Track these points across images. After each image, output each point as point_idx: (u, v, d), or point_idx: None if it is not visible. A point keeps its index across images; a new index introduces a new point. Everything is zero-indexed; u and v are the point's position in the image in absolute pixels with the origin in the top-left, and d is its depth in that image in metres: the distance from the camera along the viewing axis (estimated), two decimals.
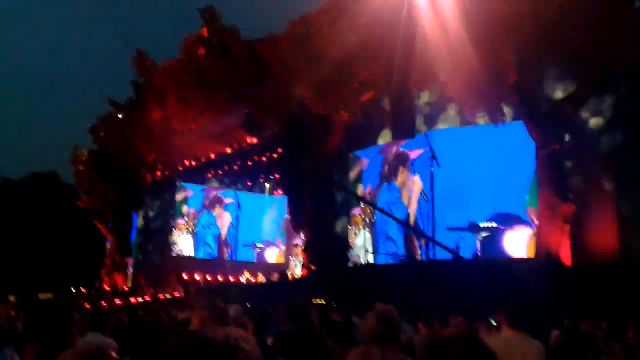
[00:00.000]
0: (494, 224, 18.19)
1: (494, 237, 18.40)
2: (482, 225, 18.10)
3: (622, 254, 15.18)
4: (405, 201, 21.19)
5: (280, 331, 5.85)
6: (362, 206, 22.77)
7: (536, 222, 16.99)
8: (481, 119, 18.20)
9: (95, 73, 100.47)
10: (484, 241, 18.17)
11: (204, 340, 0.92)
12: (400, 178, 21.55)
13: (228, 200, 31.35)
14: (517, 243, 18.18)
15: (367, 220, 22.65)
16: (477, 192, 18.95)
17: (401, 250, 20.96)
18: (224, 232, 31.09)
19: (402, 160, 21.55)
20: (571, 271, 14.16)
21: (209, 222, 30.97)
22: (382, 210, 20.54)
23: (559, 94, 15.92)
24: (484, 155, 18.81)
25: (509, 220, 18.37)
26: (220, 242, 30.91)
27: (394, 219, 20.03)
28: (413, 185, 20.93)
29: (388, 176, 21.90)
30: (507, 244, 18.34)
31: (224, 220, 31.16)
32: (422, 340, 6.54)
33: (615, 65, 14.29)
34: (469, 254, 17.44)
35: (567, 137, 15.90)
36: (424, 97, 20.26)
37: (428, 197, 20.07)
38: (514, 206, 18.47)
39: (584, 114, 16.52)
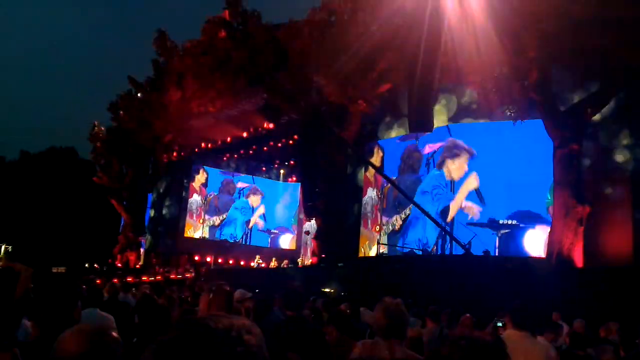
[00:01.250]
0: (514, 222, 18.05)
1: (513, 234, 18.27)
2: (501, 222, 17.97)
3: (635, 258, 15.06)
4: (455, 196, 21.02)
5: (279, 318, 5.86)
6: (379, 195, 22.75)
7: None
8: (502, 115, 18.01)
9: (117, 51, 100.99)
10: (502, 238, 18.07)
11: (205, 329, 0.91)
12: (448, 169, 21.20)
13: (257, 192, 32.13)
14: (537, 242, 17.94)
15: (381, 209, 22.61)
16: (498, 188, 18.78)
17: (423, 241, 20.82)
18: (253, 221, 31.69)
19: (451, 152, 21.28)
20: (582, 272, 14.05)
21: (243, 207, 31.67)
22: (407, 196, 20.34)
23: (579, 94, 15.74)
24: (506, 151, 18.57)
25: (530, 218, 18.19)
26: (246, 229, 31.56)
27: (417, 206, 19.90)
28: (467, 183, 20.75)
29: (425, 165, 21.71)
30: (527, 242, 18.13)
31: (258, 211, 31.85)
32: (427, 338, 6.53)
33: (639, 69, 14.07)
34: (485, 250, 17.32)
35: (586, 138, 15.73)
36: (445, 91, 20.09)
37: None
38: (535, 205, 18.21)
39: (604, 116, 16.34)
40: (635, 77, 14.73)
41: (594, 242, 15.21)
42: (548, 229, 17.49)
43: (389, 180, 21.12)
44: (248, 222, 31.93)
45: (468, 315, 7.97)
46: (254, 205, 32.08)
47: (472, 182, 20.14)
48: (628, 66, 13.95)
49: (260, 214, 32.04)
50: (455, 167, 20.73)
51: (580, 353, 5.98)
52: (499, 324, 6.41)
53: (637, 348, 7.19)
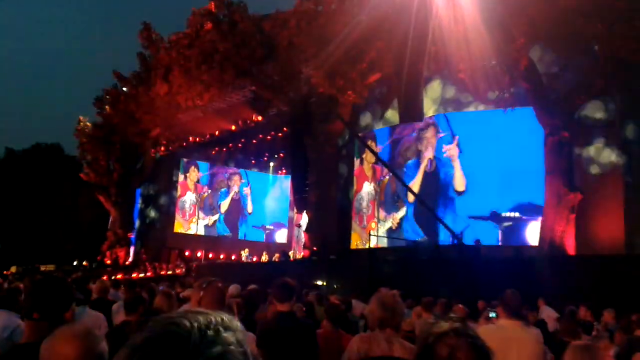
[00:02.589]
0: (517, 214, 18.10)
1: (516, 227, 18.31)
2: (504, 215, 18.02)
3: (626, 245, 15.12)
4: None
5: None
6: (376, 189, 22.70)
7: None
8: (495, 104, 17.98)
9: (102, 44, 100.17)
10: (505, 231, 18.15)
11: (180, 329, 0.82)
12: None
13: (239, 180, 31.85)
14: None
15: (377, 201, 22.55)
16: (498, 180, 18.67)
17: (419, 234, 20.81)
18: (227, 202, 31.33)
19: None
20: (574, 260, 14.09)
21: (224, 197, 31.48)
22: (403, 183, 20.29)
23: (569, 82, 15.73)
24: (506, 141, 18.43)
25: (531, 210, 18.10)
26: (227, 217, 31.22)
27: (413, 193, 19.89)
28: (424, 159, 20.73)
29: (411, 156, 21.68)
30: (530, 234, 18.08)
31: (232, 191, 31.56)
32: (419, 330, 6.46)
33: (629, 57, 14.04)
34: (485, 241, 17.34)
35: (576, 125, 15.76)
36: (434, 80, 20.04)
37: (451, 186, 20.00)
38: (536, 196, 17.88)
39: (595, 103, 16.35)
40: (624, 64, 14.72)
41: (585, 230, 15.26)
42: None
43: (386, 165, 21.00)
44: (226, 207, 31.50)
45: (461, 305, 7.92)
46: (233, 188, 31.75)
47: (429, 155, 20.43)
48: (617, 53, 13.94)
49: (235, 192, 31.61)
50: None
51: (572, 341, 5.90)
52: (492, 315, 6.34)
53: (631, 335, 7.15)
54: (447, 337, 1.53)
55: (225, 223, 31.30)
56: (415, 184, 20.55)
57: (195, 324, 0.83)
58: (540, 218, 17.35)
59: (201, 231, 30.56)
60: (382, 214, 22.21)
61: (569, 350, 3.24)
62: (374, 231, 21.79)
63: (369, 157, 22.87)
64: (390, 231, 21.56)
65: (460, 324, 1.59)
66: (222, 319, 0.87)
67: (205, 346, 0.81)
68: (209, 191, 30.99)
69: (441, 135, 20.42)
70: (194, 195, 30.55)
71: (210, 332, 0.83)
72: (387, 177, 22.14)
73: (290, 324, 4.35)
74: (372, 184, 22.88)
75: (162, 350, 0.80)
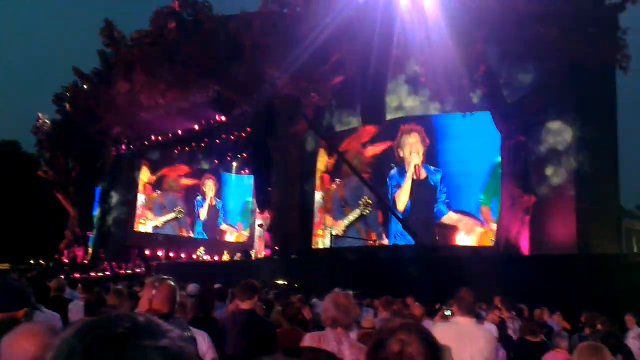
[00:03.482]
0: (452, 220, 19.00)
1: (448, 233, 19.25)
2: (440, 221, 18.87)
3: (579, 246, 15.63)
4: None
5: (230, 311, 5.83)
6: (324, 197, 22.97)
7: (490, 220, 18.01)
8: (449, 108, 18.35)
9: (61, 40, 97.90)
10: (439, 236, 18.93)
11: (130, 315, 0.85)
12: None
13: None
14: (468, 240, 18.88)
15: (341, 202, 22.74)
16: (449, 184, 19.41)
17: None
18: (205, 209, 31.17)
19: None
20: (528, 260, 14.48)
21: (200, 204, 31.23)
22: (368, 185, 20.43)
23: (526, 87, 16.17)
24: (463, 147, 18.99)
25: (463, 217, 19.10)
26: (206, 222, 31.07)
27: (377, 195, 20.09)
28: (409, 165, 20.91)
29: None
30: (459, 240, 19.03)
31: (207, 197, 31.39)
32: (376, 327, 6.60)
33: (582, 62, 14.54)
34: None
35: (531, 130, 16.19)
36: (396, 83, 20.28)
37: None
38: (469, 204, 19.02)
39: (549, 108, 16.84)
40: (577, 72, 15.24)
41: (539, 231, 15.70)
42: (479, 227, 18.37)
43: (351, 167, 21.06)
44: (198, 213, 31.43)
45: (417, 303, 8.11)
46: (208, 192, 31.62)
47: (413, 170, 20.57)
48: (571, 57, 14.40)
49: (210, 198, 31.58)
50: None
51: (535, 340, 6.13)
52: (447, 313, 6.53)
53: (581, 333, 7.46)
54: (398, 332, 1.58)
55: (203, 229, 31.13)
56: (405, 192, 20.57)
57: (147, 318, 0.84)
58: (471, 224, 18.39)
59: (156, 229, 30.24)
60: (330, 220, 22.63)
61: (579, 351, 3.29)
62: (322, 238, 22.10)
63: (320, 165, 23.10)
64: (335, 237, 21.41)
65: (411, 321, 1.67)
66: (175, 328, 0.87)
67: (153, 334, 0.82)
68: (158, 192, 30.57)
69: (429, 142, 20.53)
70: (143, 196, 30.11)
71: (161, 327, 0.84)
72: (334, 186, 22.60)
73: (250, 322, 4.43)
74: (320, 193, 23.24)
75: (112, 324, 0.81)
